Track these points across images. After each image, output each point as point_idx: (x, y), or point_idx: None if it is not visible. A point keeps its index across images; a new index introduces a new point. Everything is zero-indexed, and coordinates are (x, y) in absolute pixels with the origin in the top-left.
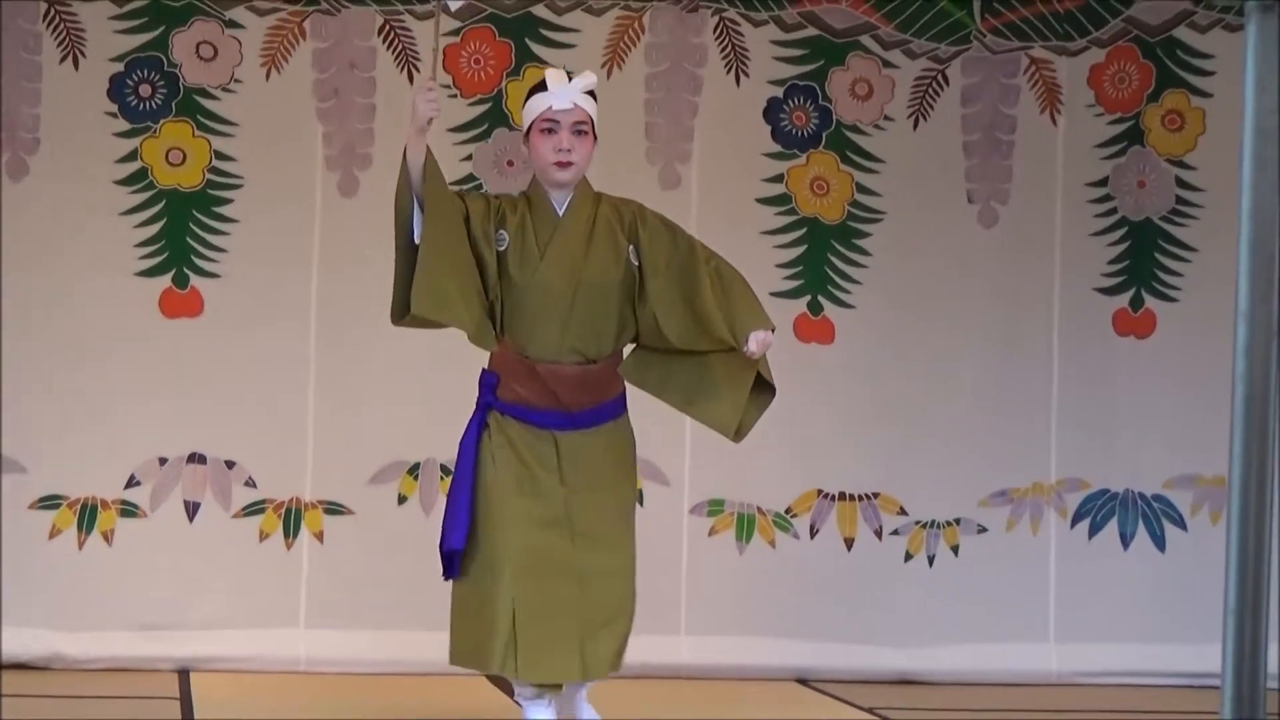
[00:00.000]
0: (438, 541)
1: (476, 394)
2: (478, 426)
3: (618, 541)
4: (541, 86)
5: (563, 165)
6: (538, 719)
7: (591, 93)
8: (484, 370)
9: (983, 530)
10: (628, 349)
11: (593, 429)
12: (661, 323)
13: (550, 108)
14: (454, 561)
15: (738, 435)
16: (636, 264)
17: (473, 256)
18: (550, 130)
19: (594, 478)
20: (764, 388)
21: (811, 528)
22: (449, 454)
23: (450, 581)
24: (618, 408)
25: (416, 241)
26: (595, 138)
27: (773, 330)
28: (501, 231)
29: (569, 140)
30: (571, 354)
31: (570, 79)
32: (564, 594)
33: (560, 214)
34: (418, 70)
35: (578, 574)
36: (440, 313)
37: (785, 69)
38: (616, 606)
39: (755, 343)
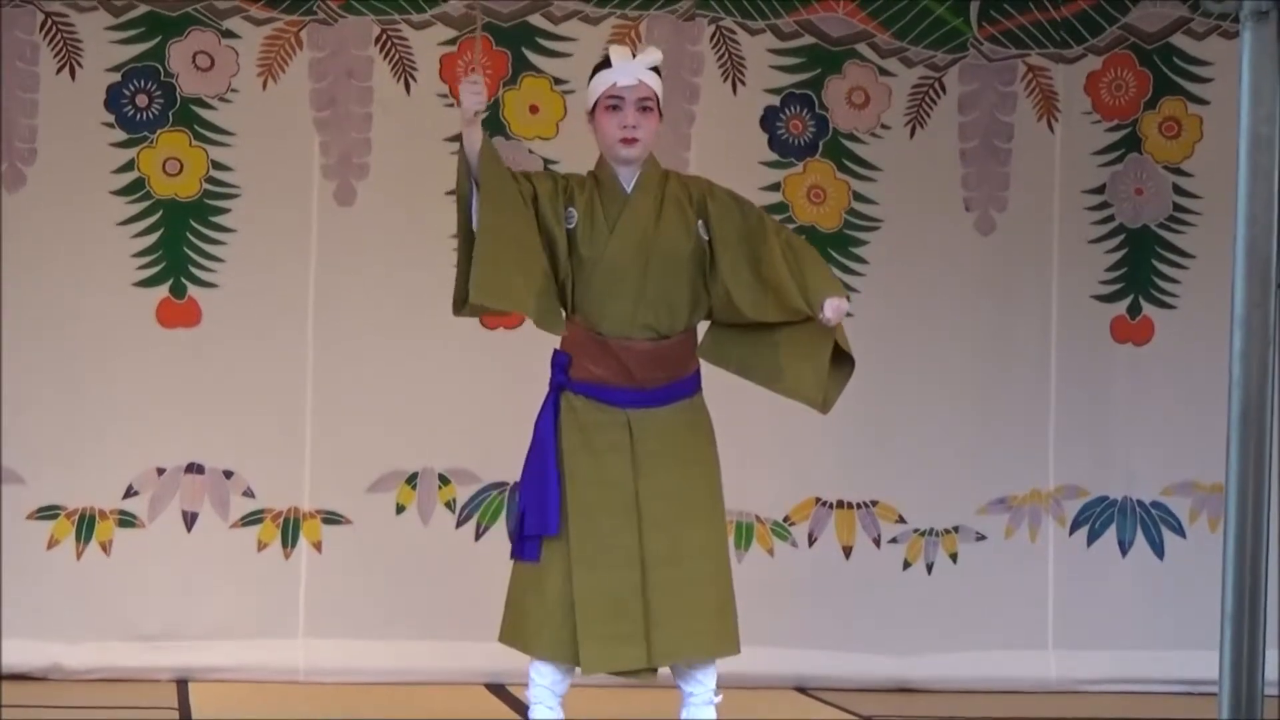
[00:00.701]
0: (513, 522)
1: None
2: (553, 408)
3: (699, 519)
4: (605, 63)
5: (628, 142)
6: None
7: (657, 69)
8: (556, 351)
9: (981, 538)
10: (703, 328)
11: (668, 406)
12: (734, 295)
13: (615, 84)
14: (534, 545)
15: (825, 406)
16: (707, 238)
17: (539, 238)
18: (615, 107)
19: (671, 454)
20: (844, 358)
21: (810, 536)
22: (447, 463)
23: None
24: (692, 385)
25: (475, 229)
26: (661, 114)
27: (848, 298)
28: (570, 209)
29: (634, 117)
30: (644, 329)
31: (634, 55)
32: (626, 582)
33: (629, 190)
34: (415, 80)
35: (641, 561)
36: (500, 299)
37: (782, 77)
38: (700, 589)
39: (830, 309)
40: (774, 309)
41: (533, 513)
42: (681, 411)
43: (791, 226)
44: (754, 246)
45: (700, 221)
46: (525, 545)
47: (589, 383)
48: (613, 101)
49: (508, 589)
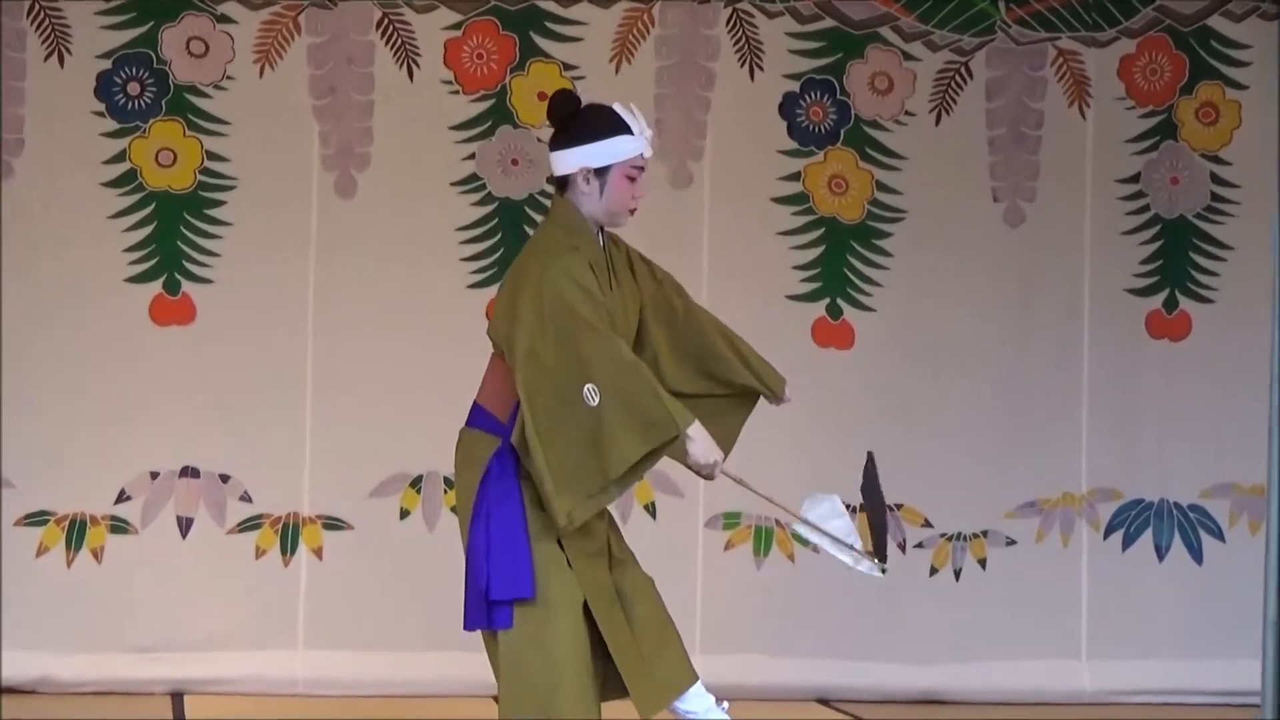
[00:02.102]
0: (472, 589)
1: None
2: (514, 466)
3: (634, 559)
4: (622, 125)
5: (633, 212)
6: None
7: None
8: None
9: (1011, 543)
10: None
11: None
12: (662, 366)
13: (642, 155)
14: (507, 611)
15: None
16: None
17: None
18: (634, 178)
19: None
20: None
21: None
22: (453, 465)
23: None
24: None
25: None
26: None
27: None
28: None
29: (644, 187)
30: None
31: (638, 116)
32: (621, 627)
33: (602, 249)
34: (418, 66)
35: (624, 599)
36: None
37: (802, 62)
38: (664, 618)
39: (787, 390)
40: (701, 382)
41: (503, 576)
42: None
43: (812, 218)
44: (674, 315)
45: (637, 285)
46: (497, 612)
47: None
48: (636, 173)
49: (500, 659)
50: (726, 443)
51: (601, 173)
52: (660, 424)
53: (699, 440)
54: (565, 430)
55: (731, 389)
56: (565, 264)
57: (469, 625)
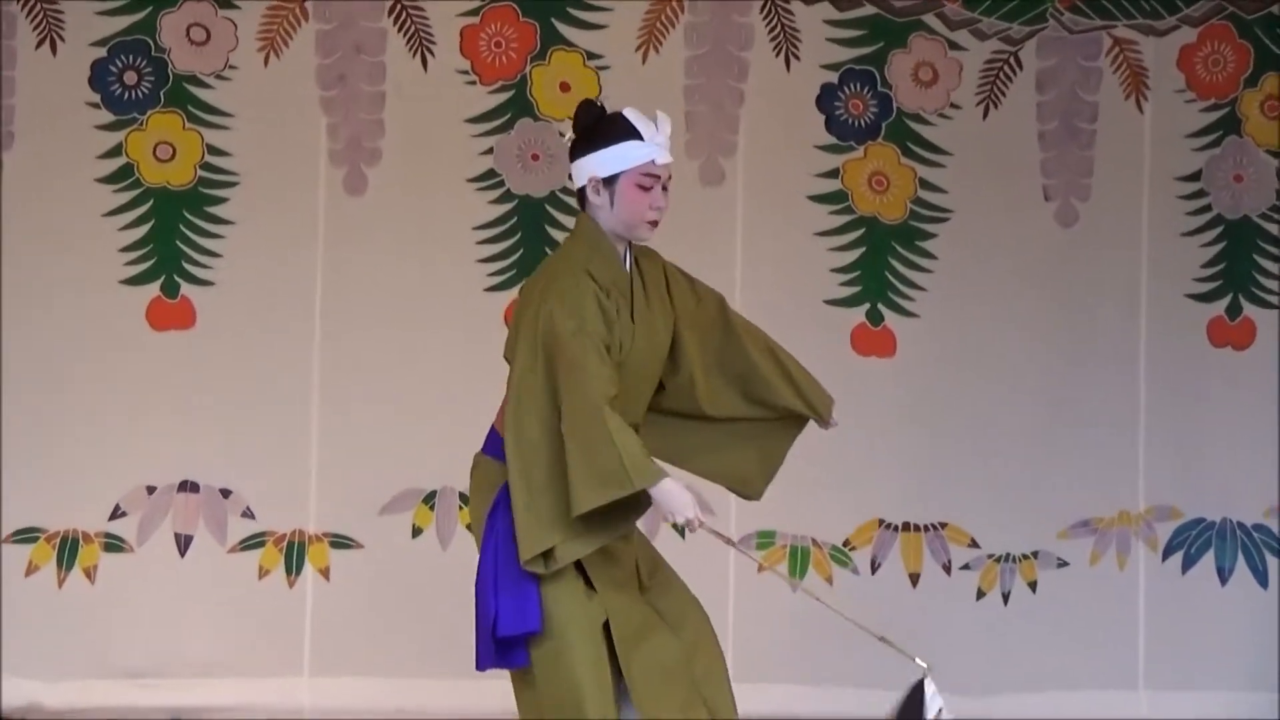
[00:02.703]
0: (481, 626)
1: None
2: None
3: (672, 577)
4: (630, 131)
5: (654, 224)
6: None
7: None
8: None
9: (1063, 564)
10: None
11: None
12: (699, 389)
13: (654, 162)
14: (521, 649)
15: (760, 495)
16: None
17: None
18: (647, 187)
19: (644, 542)
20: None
21: (873, 562)
22: (469, 481)
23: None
24: None
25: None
26: None
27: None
28: (613, 310)
29: (663, 198)
30: (634, 423)
31: (657, 124)
32: (668, 650)
33: (627, 270)
34: (432, 54)
35: (665, 622)
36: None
37: (841, 52)
38: (711, 638)
39: (833, 413)
40: (742, 405)
41: (509, 611)
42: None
43: (851, 217)
44: (715, 335)
45: (670, 304)
46: (511, 651)
47: None
48: (648, 181)
49: (519, 696)
50: (770, 467)
51: (610, 182)
52: (614, 477)
53: (667, 497)
54: (542, 464)
55: (776, 411)
56: (565, 287)
57: (480, 665)
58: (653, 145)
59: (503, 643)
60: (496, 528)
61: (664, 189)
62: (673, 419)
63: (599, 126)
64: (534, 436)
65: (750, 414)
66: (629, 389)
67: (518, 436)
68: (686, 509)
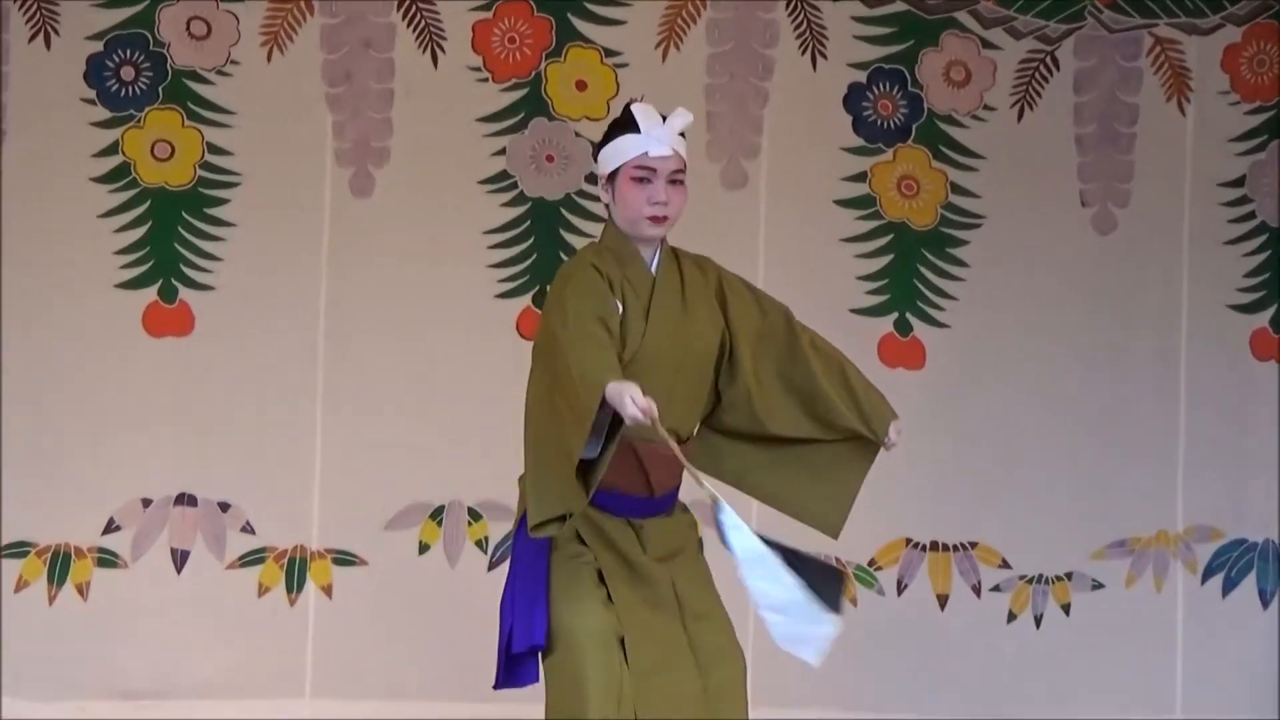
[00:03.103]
0: (500, 643)
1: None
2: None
3: (723, 618)
4: (630, 124)
5: (657, 220)
6: None
7: (682, 133)
8: None
9: (1098, 586)
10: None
11: (666, 514)
12: (756, 402)
13: (646, 154)
14: (533, 666)
15: (838, 532)
16: (728, 334)
17: None
18: (644, 180)
19: (685, 551)
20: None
21: (899, 583)
22: (479, 495)
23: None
24: (677, 492)
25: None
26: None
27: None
28: (616, 300)
29: (665, 192)
30: (674, 434)
31: (664, 118)
32: (687, 687)
33: (653, 271)
34: (443, 50)
35: (697, 660)
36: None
37: (869, 50)
38: (739, 690)
39: (895, 433)
40: (806, 423)
41: (521, 627)
42: (680, 514)
43: (879, 223)
44: (779, 349)
45: (720, 313)
46: (522, 667)
47: (601, 490)
48: (642, 173)
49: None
50: (844, 498)
51: (613, 179)
52: (582, 406)
53: (615, 399)
54: (542, 442)
55: (840, 432)
56: (569, 272)
57: (497, 684)
58: (648, 137)
59: (515, 660)
60: (517, 544)
61: (674, 183)
62: (742, 442)
63: (611, 124)
64: (541, 416)
65: (816, 434)
66: (643, 380)
67: (528, 421)
68: (625, 405)
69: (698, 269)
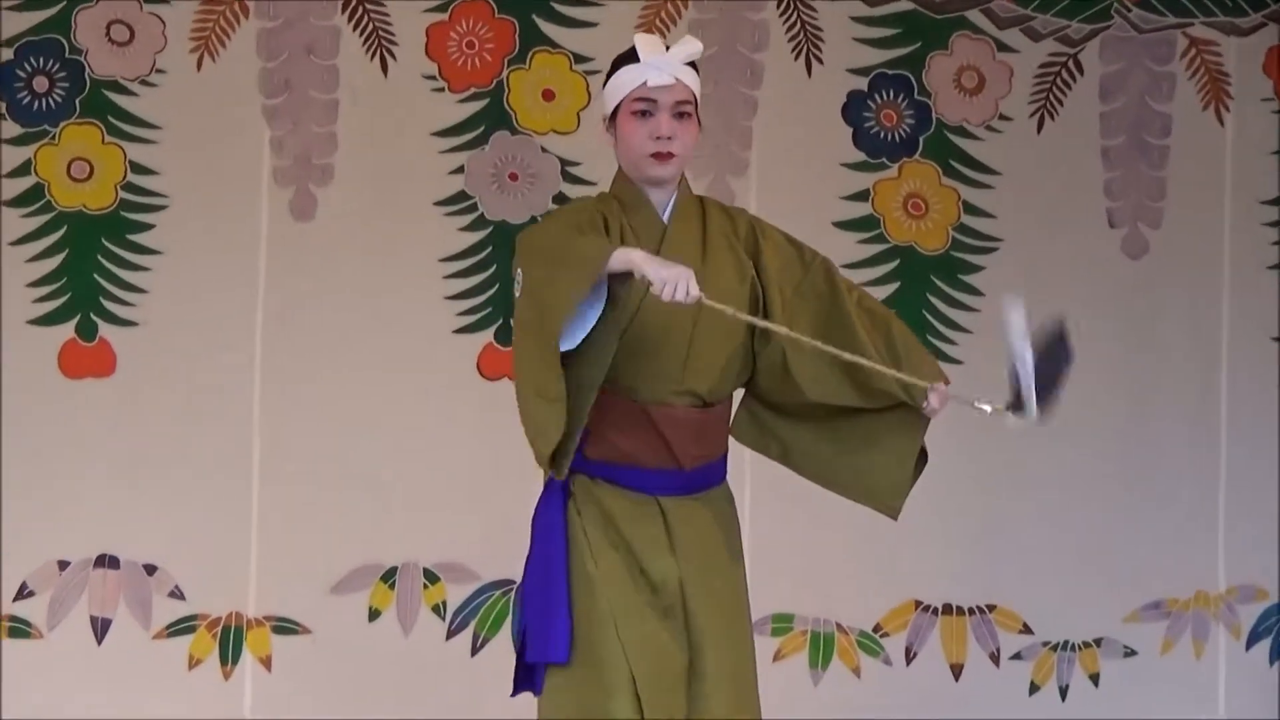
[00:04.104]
0: (519, 649)
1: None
2: (562, 495)
3: (738, 637)
4: (631, 56)
5: (662, 157)
6: None
7: (694, 64)
8: None
9: (1131, 653)
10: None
11: (702, 494)
12: (792, 364)
13: (645, 84)
14: (538, 674)
15: (898, 512)
16: (761, 287)
17: None
18: (645, 113)
19: (707, 557)
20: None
21: (908, 650)
22: (435, 555)
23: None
24: (724, 468)
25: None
26: (700, 122)
27: (948, 382)
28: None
29: (669, 125)
30: (688, 396)
31: (668, 47)
32: (680, 709)
33: (665, 219)
34: (393, 57)
35: (697, 677)
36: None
37: (871, 54)
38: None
39: (937, 399)
40: (848, 389)
41: (536, 633)
42: (715, 501)
43: (884, 247)
44: (819, 305)
45: (751, 263)
46: (528, 677)
47: (614, 463)
48: (641, 105)
49: None
50: (900, 473)
51: (614, 119)
52: (588, 259)
53: (644, 260)
54: (529, 355)
55: (883, 399)
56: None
57: (515, 690)
58: (647, 66)
59: (528, 667)
60: (534, 532)
61: (681, 116)
62: (788, 414)
63: (613, 61)
64: (521, 338)
65: (859, 401)
66: (649, 338)
67: (514, 356)
68: (672, 266)
69: (726, 217)
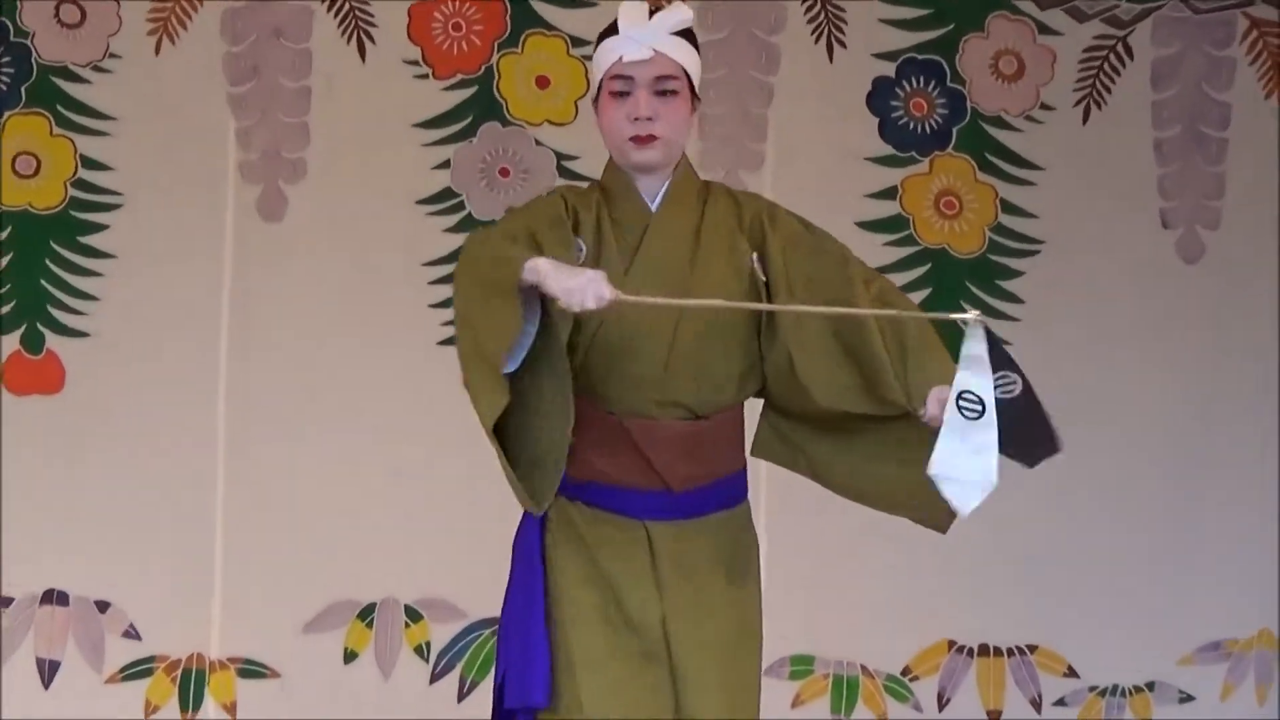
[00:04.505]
0: (496, 694)
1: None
2: (539, 521)
3: (736, 685)
4: (610, 29)
5: (641, 141)
6: None
7: (689, 35)
8: None
9: (1187, 699)
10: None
11: (698, 519)
12: (800, 367)
13: (620, 59)
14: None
15: (947, 526)
16: (764, 280)
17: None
18: (623, 92)
19: (700, 594)
20: None
21: (940, 696)
22: (417, 591)
23: None
24: (734, 490)
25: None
26: (697, 98)
27: None
28: (579, 239)
29: (648, 104)
30: (673, 408)
31: (652, 15)
32: None
33: (653, 208)
34: (371, 40)
35: None
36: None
37: (899, 36)
38: None
39: (937, 404)
40: (860, 395)
41: (514, 675)
42: (719, 529)
43: (913, 250)
44: (831, 299)
45: (755, 256)
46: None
47: (591, 483)
48: (618, 85)
49: None
50: (937, 512)
51: (597, 103)
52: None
53: (547, 273)
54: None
55: (892, 406)
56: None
57: None
58: (624, 38)
59: (505, 713)
60: (513, 561)
61: (665, 95)
62: (815, 425)
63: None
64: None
65: (878, 408)
66: (621, 343)
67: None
68: (579, 275)
69: (732, 203)
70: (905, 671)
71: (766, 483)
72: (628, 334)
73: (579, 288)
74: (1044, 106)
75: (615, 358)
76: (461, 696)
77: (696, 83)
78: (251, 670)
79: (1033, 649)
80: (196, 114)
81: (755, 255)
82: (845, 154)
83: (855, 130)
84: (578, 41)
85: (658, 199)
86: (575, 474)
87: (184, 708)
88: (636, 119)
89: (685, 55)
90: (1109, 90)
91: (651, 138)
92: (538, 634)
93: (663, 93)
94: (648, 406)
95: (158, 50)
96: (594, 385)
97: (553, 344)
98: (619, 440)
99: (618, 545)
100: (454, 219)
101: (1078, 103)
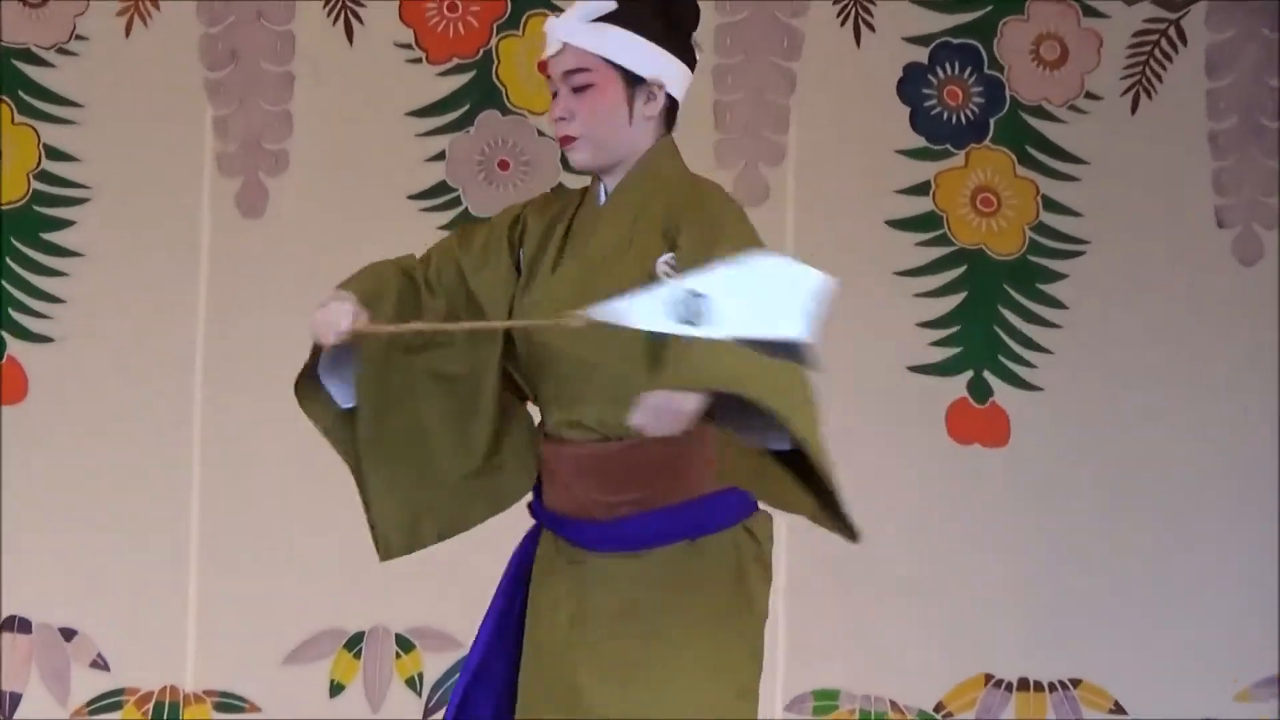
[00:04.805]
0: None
1: None
2: (531, 541)
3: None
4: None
5: (563, 143)
6: None
7: (618, 15)
8: None
9: None
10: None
11: (646, 553)
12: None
13: (543, 58)
14: None
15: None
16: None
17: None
18: (555, 92)
19: (628, 639)
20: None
21: None
22: (409, 619)
23: None
24: (690, 522)
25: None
26: (640, 81)
27: (699, 390)
28: (521, 250)
29: (565, 103)
30: (576, 428)
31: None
32: None
33: (599, 204)
34: (360, 21)
35: None
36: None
37: (932, 19)
38: None
39: (640, 411)
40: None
41: (454, 696)
42: (671, 564)
43: (948, 250)
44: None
45: (670, 256)
46: None
47: (550, 512)
48: (550, 85)
49: None
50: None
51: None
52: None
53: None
54: None
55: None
56: None
57: None
58: (546, 36)
59: None
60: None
61: (581, 90)
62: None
63: None
64: None
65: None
66: (536, 352)
67: None
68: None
69: (671, 196)
70: (939, 708)
71: None
72: (537, 354)
73: (320, 321)
74: (1089, 95)
75: (532, 379)
76: None
77: (638, 67)
78: (229, 704)
79: (1076, 683)
80: (170, 101)
81: (670, 255)
82: (874, 146)
83: (885, 121)
84: None
85: (603, 198)
86: (541, 499)
87: None
88: (554, 119)
89: (603, 41)
90: (1160, 78)
91: (569, 138)
92: (475, 650)
93: (576, 89)
94: (559, 427)
95: (128, 31)
96: (536, 403)
97: (380, 385)
98: (546, 465)
99: (548, 573)
100: (449, 215)
101: (1126, 91)
